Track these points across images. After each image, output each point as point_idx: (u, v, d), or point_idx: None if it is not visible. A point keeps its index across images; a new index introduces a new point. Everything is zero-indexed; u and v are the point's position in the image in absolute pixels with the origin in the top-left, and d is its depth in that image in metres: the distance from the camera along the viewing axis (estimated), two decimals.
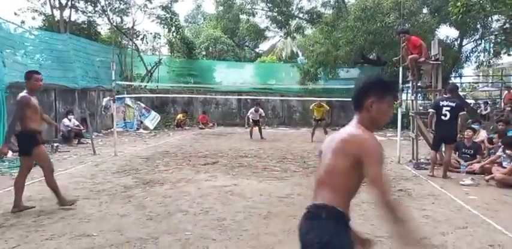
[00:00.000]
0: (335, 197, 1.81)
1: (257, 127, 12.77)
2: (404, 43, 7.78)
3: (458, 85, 19.00)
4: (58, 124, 11.03)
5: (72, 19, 16.40)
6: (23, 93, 4.44)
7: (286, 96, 18.24)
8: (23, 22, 15.46)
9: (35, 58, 11.79)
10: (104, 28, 18.50)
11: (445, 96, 6.91)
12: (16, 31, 11.51)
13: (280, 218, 4.27)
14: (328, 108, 12.67)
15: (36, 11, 16.37)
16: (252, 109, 12.99)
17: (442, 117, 6.57)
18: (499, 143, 7.14)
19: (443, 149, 6.89)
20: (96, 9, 16.89)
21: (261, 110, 13.09)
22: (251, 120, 12.94)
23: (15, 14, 15.74)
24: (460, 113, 6.51)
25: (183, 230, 3.87)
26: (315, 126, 12.31)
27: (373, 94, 1.86)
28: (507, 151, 6.29)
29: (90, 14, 17.22)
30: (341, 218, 1.81)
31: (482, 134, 8.19)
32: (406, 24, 12.53)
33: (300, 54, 26.06)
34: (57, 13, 15.43)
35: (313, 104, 12.49)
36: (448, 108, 6.52)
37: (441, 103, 6.66)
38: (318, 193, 1.88)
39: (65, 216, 4.25)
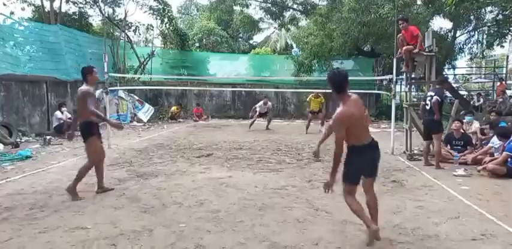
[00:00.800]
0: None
1: (267, 118, 13.07)
2: (400, 34, 7.75)
3: (452, 76, 19.15)
4: (50, 117, 10.98)
5: (63, 10, 16.15)
6: (87, 87, 4.78)
7: (281, 88, 18.20)
8: (12, 13, 15.22)
9: (25, 50, 11.60)
10: (95, 19, 18.30)
11: (437, 86, 6.98)
12: (5, 22, 11.31)
13: (275, 210, 4.28)
14: (323, 100, 12.50)
15: (25, 1, 16.09)
16: (261, 102, 13.10)
17: (426, 107, 6.79)
18: (491, 134, 7.21)
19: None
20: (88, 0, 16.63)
21: (269, 103, 13.23)
22: (257, 112, 12.98)
23: (4, 4, 15.44)
24: (434, 96, 6.59)
25: (178, 222, 3.86)
26: (310, 118, 12.22)
27: (347, 81, 3.29)
28: (499, 141, 6.36)
29: (81, 5, 16.99)
30: None
31: (475, 126, 8.23)
32: (400, 16, 12.47)
33: (294, 45, 25.95)
34: (47, 4, 15.16)
35: (311, 95, 12.36)
36: (429, 98, 6.70)
37: (428, 93, 6.89)
38: (368, 135, 3.38)
39: (58, 210, 4.23)
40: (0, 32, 10.46)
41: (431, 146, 6.92)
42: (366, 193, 3.48)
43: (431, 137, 6.80)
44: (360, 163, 3.31)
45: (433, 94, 6.68)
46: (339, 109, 3.24)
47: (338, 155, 3.21)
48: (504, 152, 5.94)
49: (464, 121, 8.17)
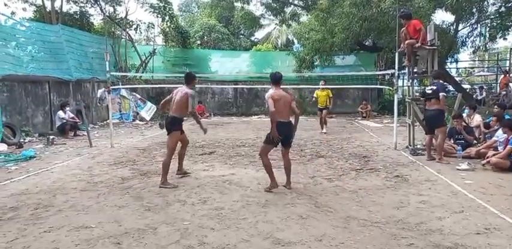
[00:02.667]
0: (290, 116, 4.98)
1: None
2: (404, 28, 7.70)
3: (455, 70, 19.03)
4: (53, 116, 11.01)
5: (64, 10, 16.14)
6: (191, 90, 5.51)
7: (282, 84, 18.16)
8: (13, 13, 15.26)
9: (27, 51, 11.62)
10: (96, 18, 18.26)
11: (434, 81, 6.99)
12: (7, 23, 11.33)
13: (278, 206, 4.29)
14: (331, 94, 11.45)
15: (26, 1, 16.09)
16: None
17: (427, 102, 6.85)
18: (496, 127, 7.18)
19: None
20: None
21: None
22: None
23: (6, 5, 15.49)
24: (440, 93, 6.63)
25: (182, 220, 3.88)
26: (320, 117, 11.33)
27: (281, 79, 5.17)
28: (503, 135, 6.33)
29: (82, 4, 16.95)
30: None
31: (477, 119, 8.19)
32: (402, 10, 12.39)
33: (295, 41, 25.85)
34: (48, 3, 15.14)
35: (317, 90, 11.58)
36: (430, 92, 6.77)
37: (429, 87, 6.98)
38: (287, 116, 4.96)
39: (62, 209, 4.25)
40: (2, 33, 10.47)
41: (434, 140, 6.90)
42: (283, 158, 5.12)
43: (434, 131, 6.79)
44: (278, 133, 4.78)
45: (434, 88, 6.72)
46: (269, 92, 4.98)
47: (272, 115, 4.82)
48: (508, 146, 5.91)
49: (464, 114, 8.16)
